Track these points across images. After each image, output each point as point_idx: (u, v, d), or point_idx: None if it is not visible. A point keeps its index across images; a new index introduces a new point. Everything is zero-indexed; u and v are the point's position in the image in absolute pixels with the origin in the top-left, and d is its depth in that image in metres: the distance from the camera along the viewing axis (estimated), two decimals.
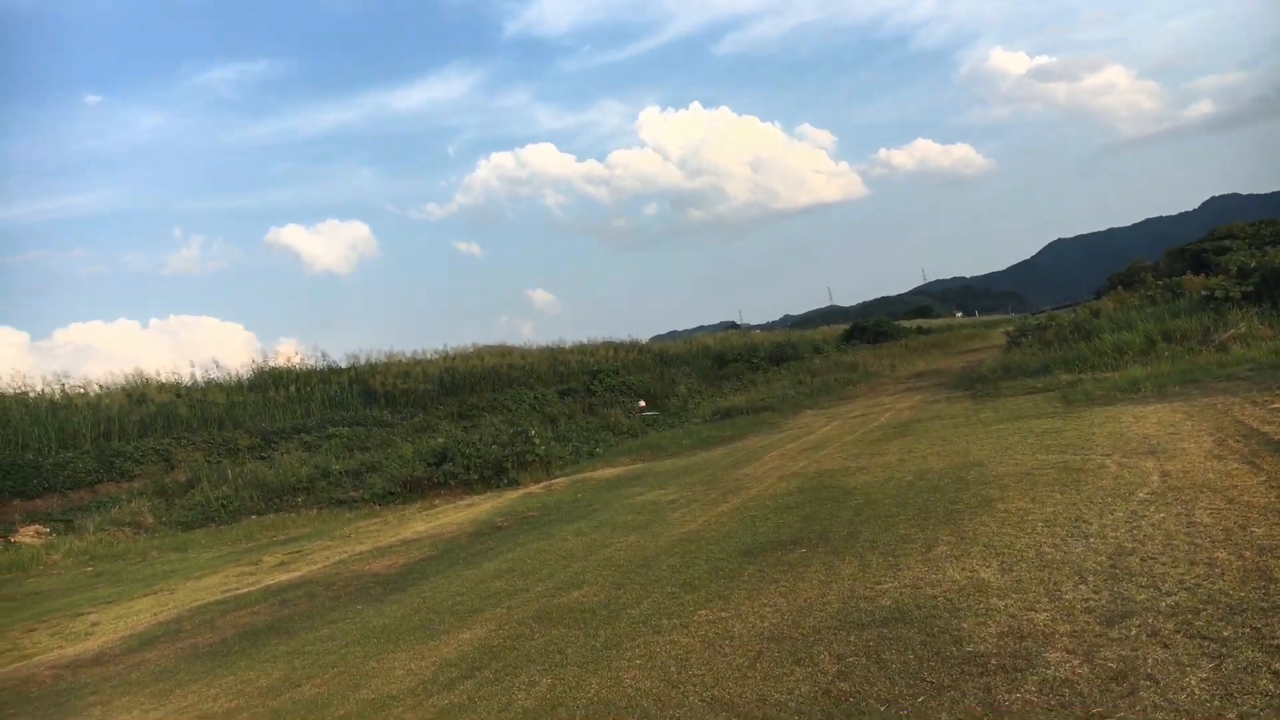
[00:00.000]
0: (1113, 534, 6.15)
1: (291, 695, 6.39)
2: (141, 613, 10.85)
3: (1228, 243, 31.11)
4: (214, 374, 31.98)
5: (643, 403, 7.46)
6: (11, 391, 27.03)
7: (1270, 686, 3.58)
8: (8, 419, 24.25)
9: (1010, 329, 33.95)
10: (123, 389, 29.00)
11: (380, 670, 6.56)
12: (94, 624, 10.59)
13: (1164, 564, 5.29)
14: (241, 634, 8.92)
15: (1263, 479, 6.88)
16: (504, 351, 39.98)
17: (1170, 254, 36.30)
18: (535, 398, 30.62)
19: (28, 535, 18.95)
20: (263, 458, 24.15)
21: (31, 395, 27.03)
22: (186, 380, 31.08)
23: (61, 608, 12.06)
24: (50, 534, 19.10)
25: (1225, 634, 4.15)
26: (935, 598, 5.51)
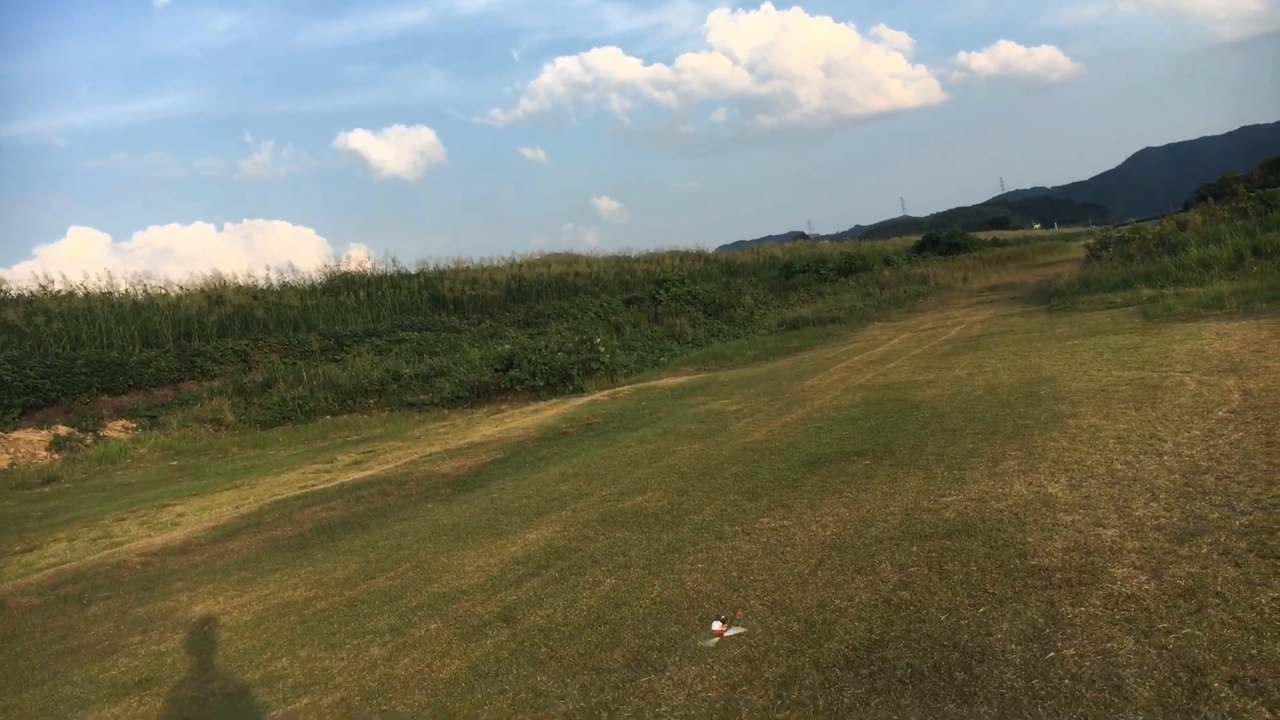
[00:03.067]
0: (1188, 452, 6.01)
1: (366, 586, 6.65)
2: (223, 506, 11.32)
3: None
4: (288, 277, 32.61)
5: (718, 624, 6.71)
6: (97, 291, 27.95)
7: None
8: (93, 317, 25.11)
9: (1091, 242, 32.85)
10: (201, 290, 29.73)
11: (450, 566, 6.78)
12: (179, 515, 11.09)
13: (1240, 483, 5.17)
14: (318, 528, 9.26)
15: None
16: (570, 259, 40.01)
17: (1265, 164, 34.66)
18: (601, 306, 30.70)
19: (115, 430, 19.81)
20: (336, 360, 24.71)
21: (115, 295, 27.90)
22: (262, 283, 31.76)
23: (148, 499, 12.64)
24: (136, 429, 19.94)
25: None
26: (1001, 511, 5.47)
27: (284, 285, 31.78)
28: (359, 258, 36.97)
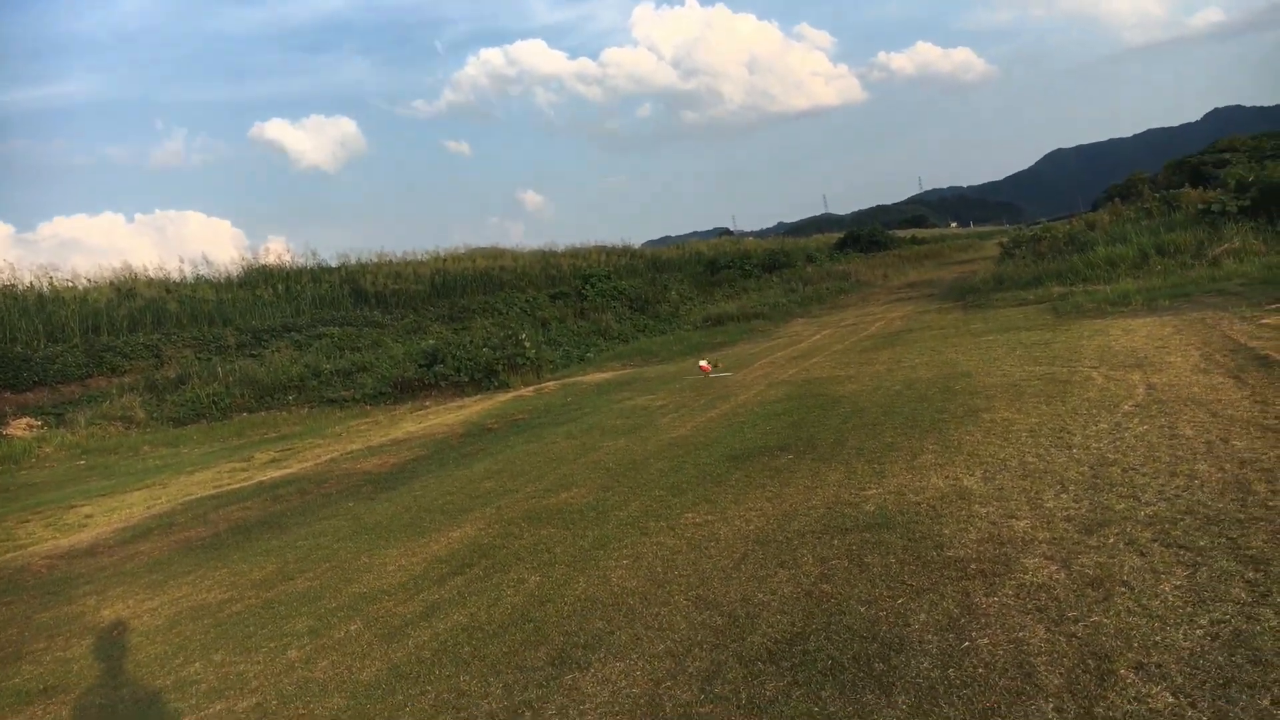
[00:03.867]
0: (1096, 445, 6.22)
1: (284, 588, 6.51)
2: (134, 506, 10.97)
3: (1227, 156, 30.79)
4: (203, 270, 31.65)
5: (704, 363, 7.65)
6: None
7: (1242, 594, 3.66)
8: None
9: (1004, 240, 33.79)
10: (110, 283, 28.69)
11: (372, 565, 6.67)
12: (87, 516, 10.71)
13: (1145, 475, 5.36)
14: (234, 528, 9.03)
15: (1247, 393, 6.94)
16: (495, 254, 39.62)
17: (1169, 166, 35.92)
18: (526, 301, 30.51)
19: (19, 428, 19.02)
20: (253, 355, 24.11)
21: (19, 288, 26.78)
22: (175, 276, 30.76)
23: (54, 500, 12.18)
24: (42, 427, 19.17)
25: (1201, 543, 4.23)
26: (918, 504, 5.59)
27: (198, 278, 30.86)
28: (277, 250, 36.13)
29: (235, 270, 32.00)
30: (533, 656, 4.41)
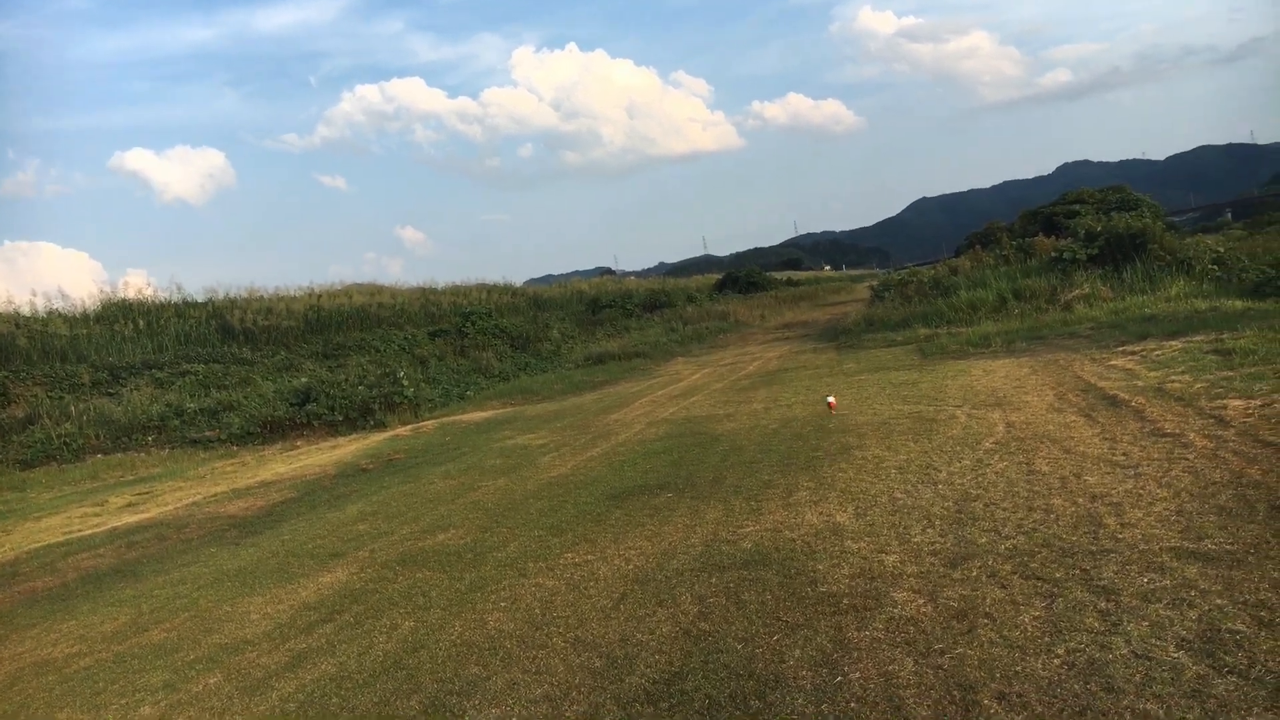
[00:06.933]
0: (960, 481, 6.47)
1: (138, 640, 6.14)
2: None
3: (1076, 207, 32.73)
4: (56, 304, 29.83)
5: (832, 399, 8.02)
6: None
7: (1096, 624, 3.84)
8: None
9: (875, 284, 35.08)
10: None
11: (234, 615, 6.37)
12: None
13: (1005, 510, 5.60)
14: (84, 577, 8.50)
15: (1097, 431, 7.34)
16: (374, 290, 38.74)
17: (1024, 216, 37.88)
18: (405, 338, 29.96)
19: None
20: (110, 394, 22.86)
21: None
22: (25, 310, 28.91)
23: None
24: None
25: (1057, 575, 4.43)
26: (794, 540, 5.69)
27: (51, 312, 29.06)
28: (138, 284, 34.32)
29: (92, 304, 30.30)
30: (405, 706, 4.27)
